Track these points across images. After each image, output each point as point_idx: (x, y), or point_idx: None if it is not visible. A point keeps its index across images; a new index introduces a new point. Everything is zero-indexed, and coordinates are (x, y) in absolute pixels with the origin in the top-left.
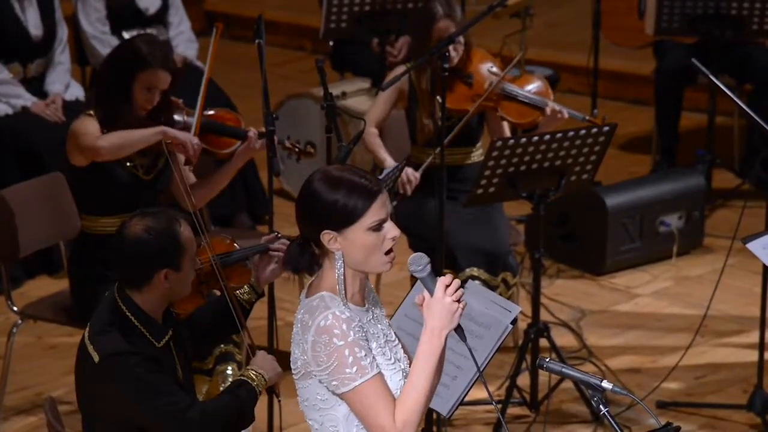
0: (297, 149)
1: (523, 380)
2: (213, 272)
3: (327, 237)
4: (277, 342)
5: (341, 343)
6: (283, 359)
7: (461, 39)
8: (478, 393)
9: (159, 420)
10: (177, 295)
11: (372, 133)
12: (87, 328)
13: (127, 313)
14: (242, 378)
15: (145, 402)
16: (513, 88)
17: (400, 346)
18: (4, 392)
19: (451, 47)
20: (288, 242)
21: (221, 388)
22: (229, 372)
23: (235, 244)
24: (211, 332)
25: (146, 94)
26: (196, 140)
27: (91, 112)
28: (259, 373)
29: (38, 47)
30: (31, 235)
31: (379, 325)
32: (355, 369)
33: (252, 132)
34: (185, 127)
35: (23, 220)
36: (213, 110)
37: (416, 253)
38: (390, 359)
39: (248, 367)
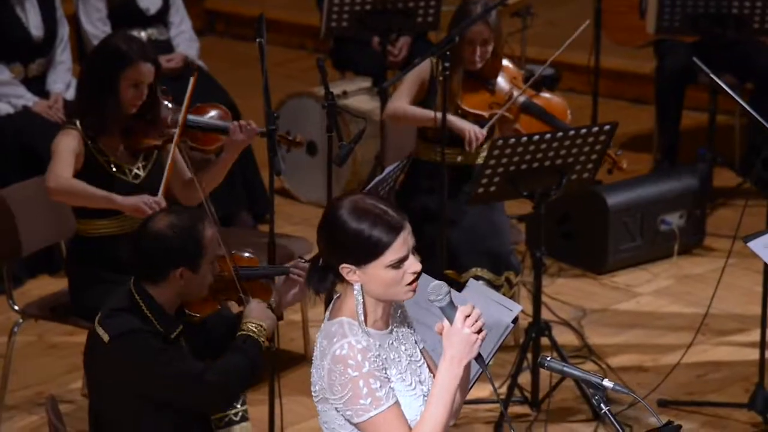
0: (287, 140)
1: (524, 379)
2: (231, 282)
3: (346, 270)
4: (278, 341)
5: (356, 374)
6: (284, 358)
7: (490, 45)
8: (480, 392)
9: (178, 387)
10: (191, 296)
11: (403, 103)
12: (98, 316)
13: (141, 304)
14: (243, 333)
15: (161, 371)
16: (533, 104)
17: (425, 366)
18: (6, 391)
19: (477, 52)
20: None
21: None
22: None
23: (259, 262)
24: (223, 344)
25: (134, 91)
26: (153, 199)
27: (76, 122)
28: (259, 325)
29: (39, 47)
30: (33, 234)
31: (402, 347)
32: (369, 400)
33: (233, 125)
34: (172, 123)
35: (24, 220)
36: (199, 105)
37: (436, 282)
38: (410, 384)
39: (245, 321)
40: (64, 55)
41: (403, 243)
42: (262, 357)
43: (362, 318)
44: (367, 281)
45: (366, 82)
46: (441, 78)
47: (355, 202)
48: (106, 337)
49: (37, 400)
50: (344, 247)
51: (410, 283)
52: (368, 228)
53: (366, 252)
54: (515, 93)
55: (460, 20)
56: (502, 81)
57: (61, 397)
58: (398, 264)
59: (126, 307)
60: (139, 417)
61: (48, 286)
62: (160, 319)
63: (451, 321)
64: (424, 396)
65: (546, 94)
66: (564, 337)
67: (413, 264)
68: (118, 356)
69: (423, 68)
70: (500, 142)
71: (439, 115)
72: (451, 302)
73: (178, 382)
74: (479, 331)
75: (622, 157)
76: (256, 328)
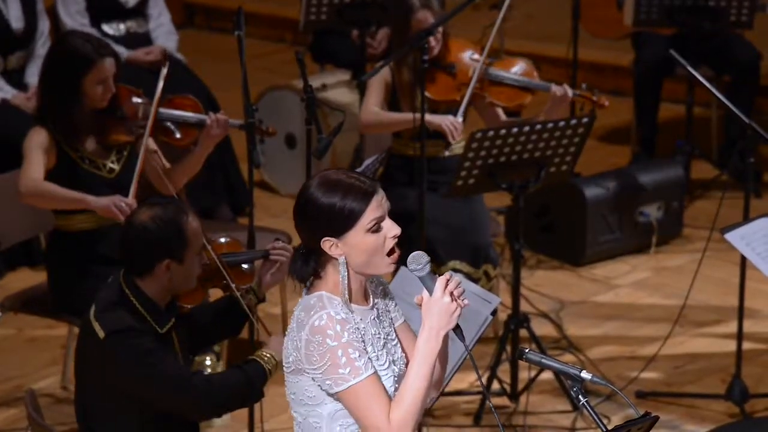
0: (260, 130)
1: (503, 371)
2: (216, 270)
3: (328, 244)
4: (257, 334)
5: (335, 344)
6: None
7: (439, 29)
8: (459, 384)
9: (165, 388)
10: (180, 288)
11: (375, 111)
12: (92, 308)
13: (131, 298)
14: (253, 357)
15: (151, 372)
16: (499, 71)
17: (399, 345)
18: None
19: (431, 38)
20: (290, 248)
21: None
22: (208, 363)
23: (242, 247)
24: (210, 332)
25: (102, 88)
26: (125, 201)
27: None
28: (271, 354)
29: (19, 40)
30: (11, 227)
31: (383, 323)
32: (348, 370)
33: (210, 118)
34: (144, 115)
35: (2, 213)
36: (170, 97)
37: (416, 252)
38: (384, 363)
39: (261, 349)
40: (44, 48)
41: (377, 206)
42: (261, 382)
43: (346, 294)
44: (349, 252)
45: (345, 75)
46: (401, 77)
47: (323, 177)
48: (101, 333)
49: (16, 393)
50: (321, 221)
51: (390, 253)
52: (340, 199)
53: (343, 220)
54: (477, 65)
55: (401, 13)
56: (461, 60)
57: (40, 391)
58: (377, 227)
59: (119, 302)
60: (125, 413)
61: (28, 278)
62: (151, 314)
63: (430, 291)
64: (395, 377)
65: (509, 58)
66: (543, 329)
67: (392, 227)
68: (110, 354)
69: (384, 71)
70: (479, 134)
71: (417, 115)
72: (431, 272)
73: (165, 384)
74: (459, 301)
75: (602, 96)
76: (266, 355)
